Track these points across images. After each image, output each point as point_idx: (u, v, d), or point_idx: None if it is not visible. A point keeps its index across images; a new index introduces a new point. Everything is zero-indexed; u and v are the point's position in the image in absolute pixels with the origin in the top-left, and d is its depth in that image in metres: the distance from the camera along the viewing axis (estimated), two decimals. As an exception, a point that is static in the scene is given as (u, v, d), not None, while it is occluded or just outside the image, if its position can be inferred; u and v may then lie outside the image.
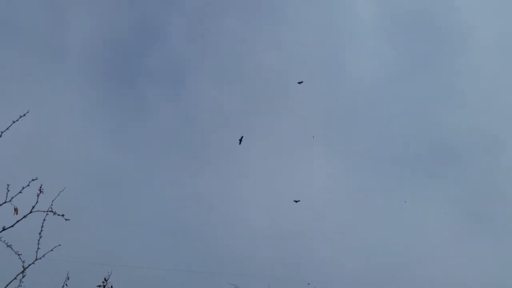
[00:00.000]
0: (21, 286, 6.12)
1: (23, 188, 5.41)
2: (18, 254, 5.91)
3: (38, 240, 5.96)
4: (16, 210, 5.22)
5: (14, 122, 5.29)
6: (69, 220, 5.38)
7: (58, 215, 5.33)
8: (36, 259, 5.85)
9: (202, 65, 33.42)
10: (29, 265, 5.95)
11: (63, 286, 6.80)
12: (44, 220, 5.81)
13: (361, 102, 33.93)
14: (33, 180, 5.41)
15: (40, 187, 5.24)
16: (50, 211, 5.34)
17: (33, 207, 5.38)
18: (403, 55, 35.11)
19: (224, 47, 33.66)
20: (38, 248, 5.91)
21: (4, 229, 5.13)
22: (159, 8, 33.52)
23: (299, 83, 21.45)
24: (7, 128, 5.25)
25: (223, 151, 31.97)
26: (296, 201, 20.66)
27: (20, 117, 5.33)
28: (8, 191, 5.33)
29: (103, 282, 8.39)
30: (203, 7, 34.05)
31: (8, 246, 5.71)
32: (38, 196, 5.29)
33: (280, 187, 27.80)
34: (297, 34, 34.30)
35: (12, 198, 5.36)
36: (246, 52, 33.82)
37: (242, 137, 19.97)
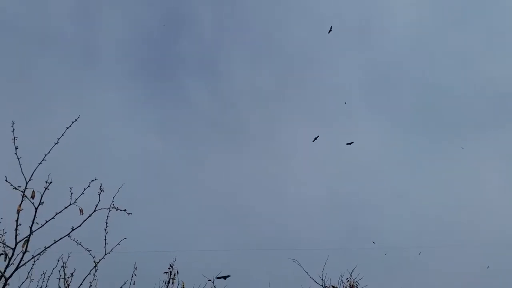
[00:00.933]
0: (95, 279, 6.54)
1: (84, 190, 5.70)
2: (88, 251, 6.28)
3: (105, 236, 6.32)
4: (81, 210, 5.53)
5: (67, 128, 5.55)
6: (131, 214, 5.65)
7: (121, 210, 5.60)
8: (105, 254, 6.21)
9: (233, 47, 33.32)
10: (100, 260, 6.33)
11: (132, 276, 7.20)
12: (107, 216, 6.14)
13: (400, 61, 32.79)
14: (92, 180, 5.68)
15: (101, 186, 5.51)
16: (113, 207, 5.62)
17: (97, 206, 5.68)
18: (443, 5, 33.38)
19: (251, 26, 33.36)
20: (105, 244, 6.27)
21: (73, 229, 5.47)
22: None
23: (329, 31, 20.39)
24: (62, 135, 5.51)
25: (264, 130, 32.07)
26: (349, 143, 19.87)
27: (73, 122, 5.58)
28: (72, 193, 5.64)
29: (169, 268, 8.77)
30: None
31: (78, 243, 6.08)
32: (99, 194, 5.57)
33: (328, 158, 27.58)
34: (323, 6, 33.38)
35: (76, 199, 5.66)
36: (274, 27, 33.35)
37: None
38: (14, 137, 5.30)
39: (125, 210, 5.64)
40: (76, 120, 5.58)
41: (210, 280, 8.44)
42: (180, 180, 27.76)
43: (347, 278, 8.82)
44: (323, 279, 8.72)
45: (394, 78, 32.01)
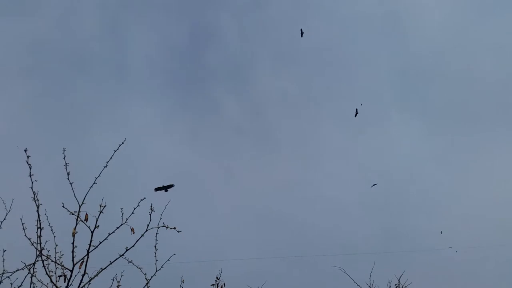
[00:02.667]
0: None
1: (134, 209, 5.86)
2: (139, 268, 6.44)
3: (155, 253, 6.47)
4: (132, 230, 5.68)
5: (115, 151, 5.72)
6: (180, 231, 5.76)
7: (171, 228, 5.73)
8: (156, 270, 6.35)
9: (259, 54, 33.45)
10: (152, 276, 6.47)
11: (180, 290, 7.34)
12: (156, 233, 6.30)
13: (430, 56, 32.06)
14: (142, 200, 5.84)
15: (151, 207, 5.65)
16: (163, 226, 5.75)
17: (148, 225, 5.82)
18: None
19: (276, 31, 33.43)
20: (156, 260, 6.42)
21: (127, 250, 5.62)
22: (207, 9, 34.05)
23: (301, 35, 20.05)
24: (111, 158, 5.69)
25: (295, 135, 31.97)
26: (374, 185, 19.86)
27: (120, 145, 5.76)
28: (123, 214, 5.81)
29: (216, 281, 8.87)
30: (246, 0, 34.01)
31: (129, 262, 6.25)
32: (150, 214, 5.71)
33: (362, 160, 27.24)
34: (347, 3, 33.10)
35: (127, 219, 5.83)
36: (297, 33, 33.26)
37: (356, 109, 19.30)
38: (66, 164, 5.52)
39: (174, 228, 5.76)
40: (122, 143, 5.75)
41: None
42: (215, 189, 28.01)
43: (395, 284, 8.67)
44: (371, 286, 8.61)
45: (428, 73, 31.30)
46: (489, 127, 28.85)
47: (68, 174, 5.51)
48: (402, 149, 28.08)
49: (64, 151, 5.56)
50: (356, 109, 19.58)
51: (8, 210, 6.11)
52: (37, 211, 5.26)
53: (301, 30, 20.08)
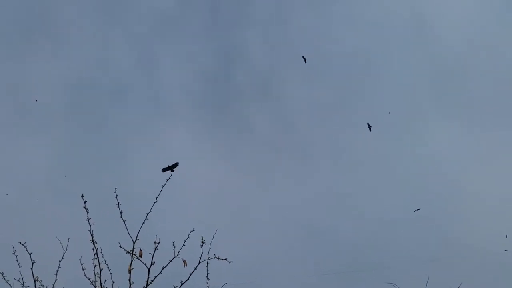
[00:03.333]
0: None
1: (185, 241, 5.97)
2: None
3: (207, 283, 6.55)
4: (185, 262, 5.78)
5: (163, 186, 5.87)
6: (232, 262, 5.82)
7: (222, 259, 5.79)
8: (211, 300, 6.41)
9: (285, 69, 33.59)
10: (206, 307, 6.53)
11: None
12: (207, 263, 6.37)
13: (464, 54, 31.22)
14: (191, 231, 5.95)
15: (202, 239, 5.74)
16: (214, 257, 5.83)
17: (200, 258, 5.91)
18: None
19: (301, 43, 33.48)
20: (208, 289, 6.49)
21: (182, 284, 5.71)
22: (232, 30, 34.61)
23: (304, 60, 19.95)
24: (160, 193, 5.84)
25: (329, 146, 31.67)
26: (417, 210, 19.24)
27: (167, 180, 5.90)
28: (174, 246, 5.93)
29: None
30: (270, 16, 34.36)
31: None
32: (201, 246, 5.80)
33: (403, 169, 26.64)
34: (371, 8, 32.85)
35: (178, 252, 5.94)
36: (324, 40, 33.20)
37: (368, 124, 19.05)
38: (118, 202, 5.70)
39: (225, 259, 5.82)
40: (169, 178, 5.89)
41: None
42: (255, 207, 28.03)
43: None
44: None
45: (462, 72, 30.48)
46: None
47: (121, 212, 5.69)
48: (444, 152, 27.29)
49: (116, 190, 5.75)
50: (368, 124, 19.34)
51: (65, 249, 6.34)
52: (96, 254, 5.44)
53: (303, 57, 20.22)
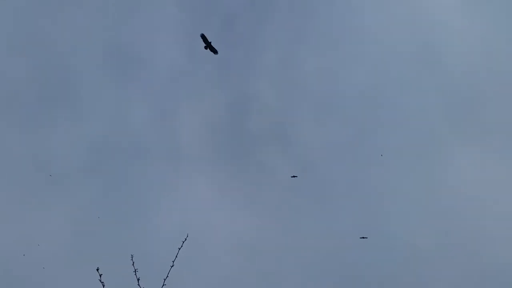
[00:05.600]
0: None
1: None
2: None
3: None
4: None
5: (179, 249, 5.83)
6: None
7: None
8: None
9: (299, 109, 33.90)
10: None
11: None
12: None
13: (475, 85, 31.11)
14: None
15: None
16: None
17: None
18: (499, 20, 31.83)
19: (311, 83, 33.96)
20: None
21: None
22: (243, 78, 35.43)
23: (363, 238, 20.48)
24: (176, 256, 5.79)
25: (349, 181, 31.24)
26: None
27: (183, 242, 5.87)
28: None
29: None
30: (278, 61, 35.16)
31: None
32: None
33: (427, 197, 26.00)
34: (378, 44, 33.36)
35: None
36: (334, 79, 33.62)
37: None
38: (135, 270, 5.66)
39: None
40: (185, 239, 5.86)
41: None
42: (280, 254, 27.47)
43: None
44: None
45: (475, 99, 30.27)
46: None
47: (138, 280, 5.63)
48: (467, 177, 26.64)
49: (132, 257, 5.72)
50: (363, 236, 19.59)
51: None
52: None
53: (294, 176, 20.89)
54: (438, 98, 31.15)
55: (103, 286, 5.19)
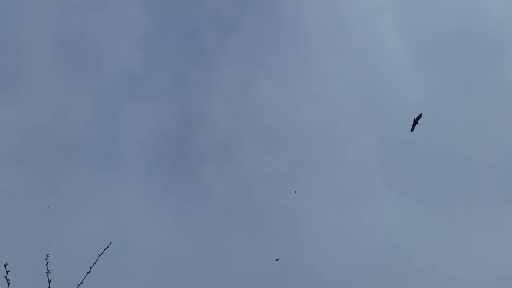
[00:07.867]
0: None
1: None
2: None
3: None
4: None
5: (99, 255, 5.62)
6: None
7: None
8: None
9: (247, 134, 34.28)
10: None
11: None
12: None
13: (410, 139, 32.99)
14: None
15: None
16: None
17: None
18: (445, 75, 34.30)
19: (262, 111, 34.58)
20: None
21: None
22: (197, 93, 35.38)
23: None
24: (95, 263, 5.57)
25: (285, 214, 31.72)
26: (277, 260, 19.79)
27: (104, 249, 5.66)
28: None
29: None
30: (235, 83, 35.60)
31: None
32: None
33: (354, 239, 26.91)
34: (331, 84, 34.72)
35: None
36: (285, 111, 34.43)
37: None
38: (48, 271, 5.37)
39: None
40: (108, 246, 5.67)
41: None
42: (205, 273, 27.09)
43: None
44: None
45: (409, 152, 32.08)
46: (485, 201, 29.04)
47: (50, 282, 5.33)
48: (394, 225, 27.91)
49: (47, 257, 5.44)
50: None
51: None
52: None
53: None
54: (378, 146, 32.73)
55: (8, 284, 4.85)
